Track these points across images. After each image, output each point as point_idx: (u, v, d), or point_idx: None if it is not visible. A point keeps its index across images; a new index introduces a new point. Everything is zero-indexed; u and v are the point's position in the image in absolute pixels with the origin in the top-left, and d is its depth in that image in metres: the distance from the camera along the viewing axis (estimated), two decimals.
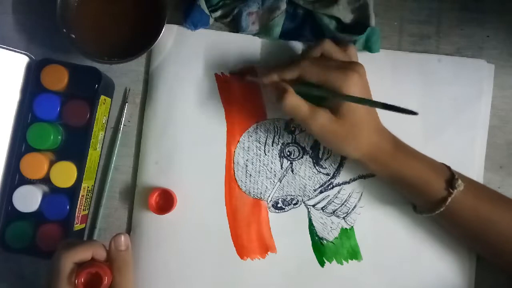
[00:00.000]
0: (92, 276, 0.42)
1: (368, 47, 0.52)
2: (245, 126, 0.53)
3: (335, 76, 0.44)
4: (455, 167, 0.52)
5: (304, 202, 0.52)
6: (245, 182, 0.52)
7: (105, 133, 0.53)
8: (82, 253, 0.42)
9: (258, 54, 0.53)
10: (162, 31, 0.49)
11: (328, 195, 0.52)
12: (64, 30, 0.49)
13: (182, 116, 0.53)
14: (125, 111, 0.53)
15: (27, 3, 0.54)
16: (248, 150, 0.53)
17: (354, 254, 0.52)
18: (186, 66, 0.53)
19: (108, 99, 0.52)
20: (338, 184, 0.52)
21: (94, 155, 0.51)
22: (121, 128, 0.53)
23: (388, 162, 0.47)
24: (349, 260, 0.52)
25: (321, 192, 0.52)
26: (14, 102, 0.50)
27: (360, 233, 0.52)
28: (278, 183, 0.52)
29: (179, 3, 0.53)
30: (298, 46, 0.53)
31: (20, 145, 0.49)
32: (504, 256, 0.47)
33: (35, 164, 0.48)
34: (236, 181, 0.52)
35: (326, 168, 0.52)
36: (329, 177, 0.52)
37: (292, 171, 0.52)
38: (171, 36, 0.53)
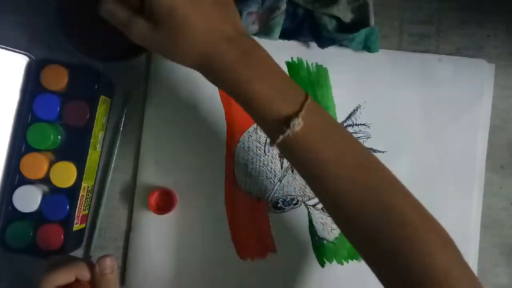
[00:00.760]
0: None
1: (367, 47, 0.52)
2: (245, 126, 0.53)
3: None
4: (456, 167, 0.52)
5: (304, 202, 0.52)
6: (245, 182, 0.52)
7: (105, 133, 0.53)
8: (65, 277, 0.40)
9: None
10: None
11: None
12: (64, 30, 0.49)
13: (182, 116, 0.53)
14: (125, 111, 0.53)
15: (27, 3, 0.54)
16: (248, 150, 0.53)
17: (355, 254, 0.52)
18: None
19: (108, 99, 0.52)
20: None
21: (94, 155, 0.51)
22: (121, 128, 0.53)
23: (225, 73, 0.37)
24: (350, 260, 0.52)
25: None
26: (14, 102, 0.50)
27: None
28: (278, 183, 0.52)
29: None
30: (298, 46, 0.53)
31: (20, 145, 0.49)
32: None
33: (35, 164, 0.48)
34: (236, 181, 0.52)
35: None
36: None
37: (292, 171, 0.52)
38: None
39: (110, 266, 0.42)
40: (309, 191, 0.52)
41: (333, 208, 0.39)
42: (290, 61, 0.53)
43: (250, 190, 0.52)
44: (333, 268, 0.52)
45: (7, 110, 0.49)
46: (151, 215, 0.51)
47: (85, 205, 0.51)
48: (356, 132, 0.53)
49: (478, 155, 0.52)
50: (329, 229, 0.52)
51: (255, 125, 0.53)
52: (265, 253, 0.52)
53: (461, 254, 0.36)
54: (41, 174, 0.48)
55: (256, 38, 0.53)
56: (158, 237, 0.52)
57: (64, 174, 0.48)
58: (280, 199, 0.52)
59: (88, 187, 0.51)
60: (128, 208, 0.53)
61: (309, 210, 0.52)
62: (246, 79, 0.37)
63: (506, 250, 0.52)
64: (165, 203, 0.51)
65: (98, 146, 0.52)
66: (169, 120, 0.52)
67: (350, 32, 0.50)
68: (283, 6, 0.51)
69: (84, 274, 0.41)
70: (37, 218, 0.48)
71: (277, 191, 0.52)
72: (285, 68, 0.53)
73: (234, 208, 0.52)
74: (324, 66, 0.53)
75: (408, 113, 0.52)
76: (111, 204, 0.53)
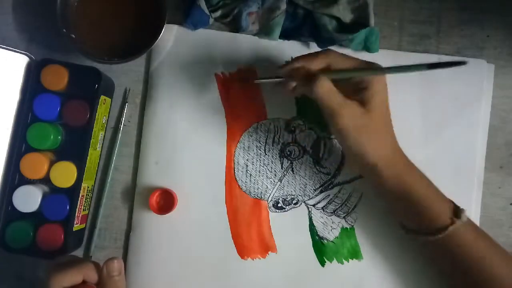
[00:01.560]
0: None
1: (367, 47, 0.52)
2: (245, 126, 0.53)
3: (364, 66, 0.42)
4: (455, 167, 0.52)
5: (304, 202, 0.52)
6: (246, 182, 0.52)
7: (105, 133, 0.53)
8: (72, 277, 0.40)
9: (258, 54, 0.53)
10: (162, 31, 0.49)
11: (329, 195, 0.52)
12: (64, 30, 0.49)
13: (182, 116, 0.53)
14: (125, 111, 0.53)
15: (27, 3, 0.54)
16: (248, 150, 0.53)
17: (355, 253, 0.52)
18: (186, 66, 0.53)
19: (108, 99, 0.52)
20: (339, 184, 0.52)
21: (94, 155, 0.51)
22: (121, 128, 0.53)
23: (404, 172, 0.44)
24: (350, 260, 0.52)
25: (321, 191, 0.52)
26: (14, 102, 0.50)
27: (361, 233, 0.52)
28: (279, 182, 0.52)
29: (179, 3, 0.53)
30: (298, 46, 0.53)
31: (20, 145, 0.49)
32: None
33: (35, 164, 0.48)
34: (237, 181, 0.52)
35: (326, 167, 0.52)
36: (330, 176, 0.52)
37: (293, 170, 0.52)
38: (171, 36, 0.53)
39: (118, 268, 0.42)
40: (309, 191, 0.52)
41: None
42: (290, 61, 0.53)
43: (250, 190, 0.52)
44: (333, 267, 0.52)
45: (7, 110, 0.49)
46: (151, 215, 0.51)
47: (85, 205, 0.51)
48: None
49: (477, 155, 0.53)
50: (329, 229, 0.52)
51: (255, 125, 0.53)
52: (266, 252, 0.52)
53: None
54: (41, 174, 0.48)
55: (256, 38, 0.53)
56: (158, 237, 0.52)
57: (64, 174, 0.48)
58: (281, 199, 0.52)
59: (88, 187, 0.51)
60: (128, 208, 0.53)
61: (309, 209, 0.52)
62: (416, 178, 0.45)
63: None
64: (165, 203, 0.51)
65: (98, 146, 0.52)
66: (169, 120, 0.52)
67: (350, 32, 0.50)
68: (283, 6, 0.51)
69: (92, 275, 0.41)
70: (37, 218, 0.48)
71: (277, 191, 0.52)
72: None
73: (234, 208, 0.52)
74: None
75: (407, 113, 0.53)
76: (111, 204, 0.53)
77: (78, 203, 0.49)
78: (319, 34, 0.52)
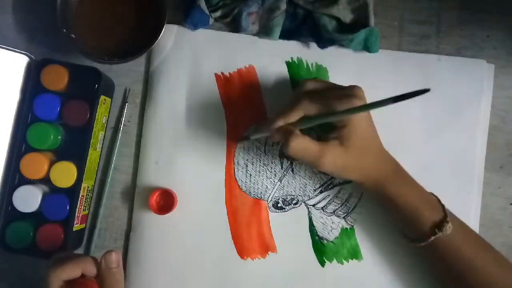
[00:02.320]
0: None
1: (366, 47, 0.52)
2: (245, 126, 0.53)
3: (340, 107, 0.43)
4: (455, 167, 0.52)
5: (304, 202, 0.52)
6: (245, 182, 0.52)
7: (105, 133, 0.53)
8: (71, 271, 0.41)
9: (258, 54, 0.53)
10: (162, 31, 0.49)
11: (329, 195, 0.52)
12: (64, 30, 0.49)
13: (182, 116, 0.53)
14: (125, 111, 0.53)
15: (27, 3, 0.54)
16: (248, 150, 0.53)
17: (355, 253, 0.52)
18: (186, 66, 0.53)
19: (108, 99, 0.52)
20: (339, 184, 0.52)
21: (94, 155, 0.51)
22: (121, 128, 0.53)
23: (385, 185, 0.46)
24: (350, 260, 0.52)
25: (321, 191, 0.52)
26: (14, 102, 0.50)
27: (361, 233, 0.52)
28: (278, 183, 0.52)
29: (179, 3, 0.53)
30: (298, 46, 0.53)
31: (20, 145, 0.49)
32: None
33: (35, 164, 0.48)
34: (236, 181, 0.52)
35: None
36: (330, 176, 0.52)
37: (292, 170, 0.52)
38: (171, 36, 0.53)
39: (116, 260, 0.43)
40: (309, 191, 0.52)
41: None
42: (290, 61, 0.53)
43: (250, 190, 0.52)
44: (333, 267, 0.52)
45: (7, 110, 0.49)
46: (151, 215, 0.51)
47: (85, 205, 0.51)
48: None
49: (477, 155, 0.53)
50: (329, 229, 0.52)
51: (255, 125, 0.53)
52: (265, 253, 0.52)
53: None
54: (41, 174, 0.48)
55: (256, 38, 0.53)
56: (158, 237, 0.52)
57: (64, 174, 0.48)
58: (280, 199, 0.52)
59: (88, 187, 0.51)
60: (128, 208, 0.53)
61: (309, 209, 0.52)
62: (399, 189, 0.46)
63: (506, 250, 0.52)
64: (165, 203, 0.51)
65: (98, 146, 0.52)
66: (169, 120, 0.52)
67: (350, 32, 0.50)
68: (283, 6, 0.51)
69: (90, 269, 0.42)
70: (37, 218, 0.48)
71: (277, 191, 0.52)
72: (285, 68, 0.53)
73: (234, 208, 0.52)
74: (324, 66, 0.53)
75: (407, 113, 0.53)
76: (111, 204, 0.53)
77: (78, 203, 0.49)
78: (319, 34, 0.52)
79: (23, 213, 0.48)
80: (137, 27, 0.51)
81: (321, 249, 0.52)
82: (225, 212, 0.52)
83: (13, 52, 0.49)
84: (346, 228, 0.52)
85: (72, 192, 0.49)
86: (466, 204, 0.52)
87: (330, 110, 0.43)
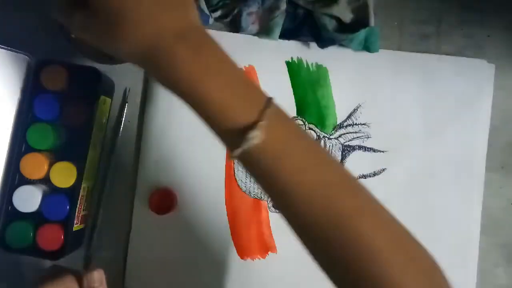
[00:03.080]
0: None
1: (366, 47, 0.52)
2: None
3: None
4: (456, 167, 0.52)
5: None
6: (245, 182, 0.52)
7: (105, 133, 0.53)
8: None
9: (258, 54, 0.53)
10: None
11: None
12: (64, 30, 0.49)
13: (182, 116, 0.53)
14: (125, 111, 0.53)
15: (28, 3, 0.54)
16: None
17: None
18: None
19: (108, 99, 0.52)
20: None
21: (94, 155, 0.51)
22: (121, 128, 0.53)
23: (171, 72, 0.32)
24: None
25: None
26: (14, 102, 0.50)
27: None
28: None
29: None
30: (298, 46, 0.53)
31: (20, 145, 0.49)
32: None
33: (35, 164, 0.48)
34: (236, 181, 0.52)
35: None
36: None
37: None
38: None
39: (98, 279, 0.42)
40: None
41: (297, 231, 0.34)
42: (290, 61, 0.53)
43: (250, 190, 0.52)
44: None
45: (7, 110, 0.49)
46: (151, 215, 0.51)
47: (85, 205, 0.51)
48: (356, 132, 0.53)
49: (478, 155, 0.52)
50: None
51: None
52: (265, 253, 0.52)
53: (449, 284, 0.33)
54: (41, 174, 0.48)
55: (256, 38, 0.53)
56: (158, 237, 0.52)
57: (64, 174, 0.48)
58: None
59: (88, 187, 0.51)
60: (128, 208, 0.53)
61: None
62: (195, 79, 0.31)
63: (506, 250, 0.52)
64: (165, 203, 0.51)
65: (98, 146, 0.52)
66: (169, 120, 0.52)
67: (350, 32, 0.50)
68: (283, 6, 0.51)
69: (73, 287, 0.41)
70: (37, 218, 0.48)
71: None
72: (285, 68, 0.53)
73: (234, 208, 0.52)
74: (324, 66, 0.53)
75: (408, 113, 0.52)
76: (111, 204, 0.53)
77: (78, 203, 0.49)
78: (319, 34, 0.52)
79: (23, 213, 0.48)
80: None
81: None
82: (225, 212, 0.52)
83: (13, 52, 0.50)
84: None
85: (72, 192, 0.49)
86: (467, 205, 0.52)
87: None
